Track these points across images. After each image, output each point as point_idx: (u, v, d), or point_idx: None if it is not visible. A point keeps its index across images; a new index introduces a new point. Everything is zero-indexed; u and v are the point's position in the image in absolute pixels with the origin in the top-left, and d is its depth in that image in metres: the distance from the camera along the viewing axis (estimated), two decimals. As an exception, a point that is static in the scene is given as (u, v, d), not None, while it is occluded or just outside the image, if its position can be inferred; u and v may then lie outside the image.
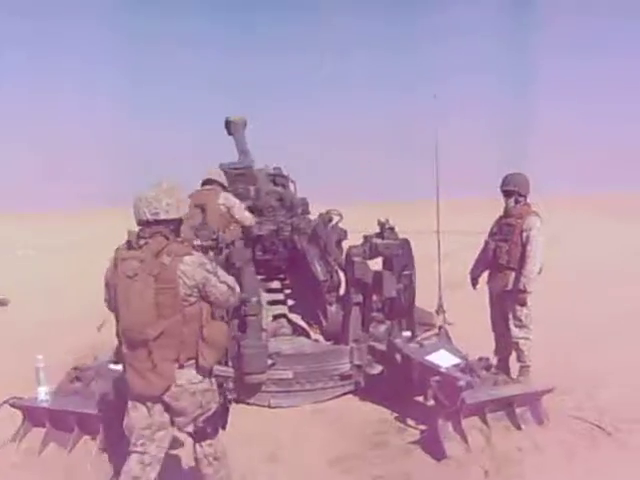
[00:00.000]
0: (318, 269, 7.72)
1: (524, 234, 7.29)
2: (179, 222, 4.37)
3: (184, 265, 4.14)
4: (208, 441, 4.49)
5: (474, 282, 7.89)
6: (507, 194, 7.53)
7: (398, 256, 7.30)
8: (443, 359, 6.62)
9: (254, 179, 8.94)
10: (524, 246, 7.25)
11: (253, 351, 6.80)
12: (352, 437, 6.31)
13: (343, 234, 8.15)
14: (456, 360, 6.55)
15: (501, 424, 5.86)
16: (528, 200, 7.57)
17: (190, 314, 4.18)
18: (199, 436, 4.47)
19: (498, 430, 5.76)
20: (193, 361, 4.24)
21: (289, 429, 6.50)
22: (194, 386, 4.26)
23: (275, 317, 8.06)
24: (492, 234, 7.64)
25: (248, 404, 6.99)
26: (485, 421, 5.77)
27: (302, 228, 8.30)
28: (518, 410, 5.93)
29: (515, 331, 7.35)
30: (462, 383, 5.94)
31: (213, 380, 4.45)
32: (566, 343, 8.78)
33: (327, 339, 7.61)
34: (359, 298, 7.31)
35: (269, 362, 6.91)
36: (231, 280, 4.39)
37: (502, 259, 7.38)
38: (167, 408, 4.30)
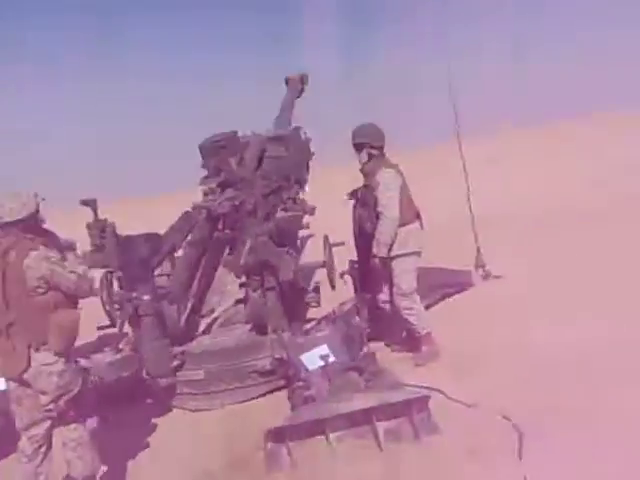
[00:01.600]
0: (243, 250, 6.87)
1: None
2: (28, 221, 4.70)
3: (29, 259, 4.55)
4: (72, 425, 4.75)
5: None
6: (357, 148, 6.70)
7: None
8: (313, 359, 5.58)
9: (237, 148, 8.20)
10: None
11: (151, 354, 6.38)
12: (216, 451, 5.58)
13: None
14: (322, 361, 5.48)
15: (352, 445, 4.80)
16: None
17: (39, 303, 4.57)
18: (63, 419, 4.71)
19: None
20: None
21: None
22: (49, 367, 4.58)
23: (237, 302, 7.39)
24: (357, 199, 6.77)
25: (176, 407, 6.56)
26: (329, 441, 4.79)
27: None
28: (386, 424, 4.82)
29: (397, 300, 6.46)
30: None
31: (73, 364, 4.78)
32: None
33: (251, 330, 6.77)
34: (271, 282, 6.39)
35: (176, 362, 6.44)
36: (82, 269, 4.77)
37: (367, 227, 6.52)
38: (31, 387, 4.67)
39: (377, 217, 6.38)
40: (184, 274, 7.14)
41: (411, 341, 6.72)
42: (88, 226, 6.41)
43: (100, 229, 6.34)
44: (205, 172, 7.93)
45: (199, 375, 6.47)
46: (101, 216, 6.43)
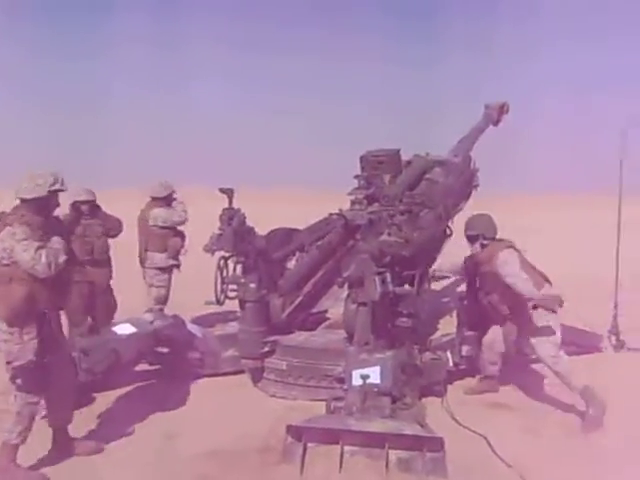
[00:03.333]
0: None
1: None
2: (37, 202, 5.15)
3: (2, 233, 5.08)
4: (15, 392, 5.20)
5: None
6: (470, 239, 6.98)
7: None
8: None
9: (396, 166, 8.51)
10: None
11: (244, 336, 7.29)
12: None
13: None
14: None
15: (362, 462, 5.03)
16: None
17: (1, 273, 5.04)
18: (13, 384, 5.19)
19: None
20: None
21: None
22: (1, 334, 5.07)
23: None
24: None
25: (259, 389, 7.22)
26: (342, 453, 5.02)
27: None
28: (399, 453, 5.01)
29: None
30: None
31: (24, 337, 5.03)
32: None
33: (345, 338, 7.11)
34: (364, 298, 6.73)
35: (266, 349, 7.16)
36: (37, 253, 4.97)
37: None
38: None
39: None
40: (301, 272, 7.67)
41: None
42: (222, 212, 7.16)
43: (229, 217, 7.05)
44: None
45: (282, 366, 7.01)
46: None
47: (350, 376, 5.88)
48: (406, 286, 6.87)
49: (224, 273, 7.15)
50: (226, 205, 7.15)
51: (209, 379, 7.30)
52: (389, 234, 6.82)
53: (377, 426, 5.10)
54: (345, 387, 5.83)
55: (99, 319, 7.81)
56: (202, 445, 5.70)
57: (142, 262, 8.97)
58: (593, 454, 5.57)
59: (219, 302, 7.11)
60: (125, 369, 6.98)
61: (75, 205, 7.65)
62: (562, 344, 6.60)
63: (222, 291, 7.11)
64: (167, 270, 8.87)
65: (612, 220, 8.98)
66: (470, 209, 9.07)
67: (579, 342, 7.96)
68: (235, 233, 6.96)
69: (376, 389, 5.64)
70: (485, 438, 5.74)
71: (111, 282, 8.12)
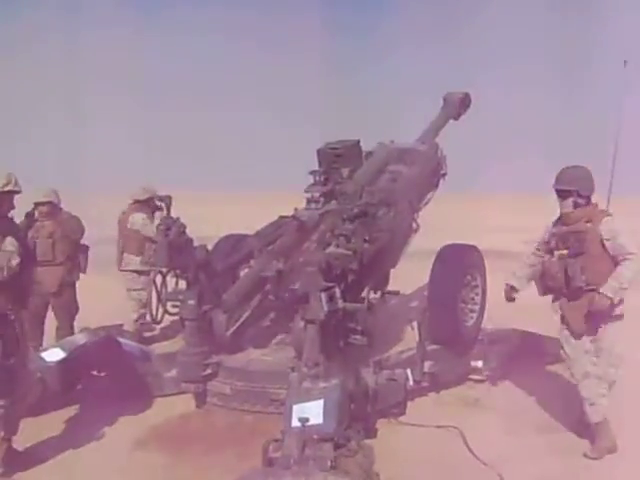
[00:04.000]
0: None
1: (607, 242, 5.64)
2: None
3: None
4: None
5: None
6: (561, 195, 5.88)
7: None
8: (303, 412, 5.31)
9: (355, 158, 7.88)
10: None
11: (183, 358, 6.67)
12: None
13: None
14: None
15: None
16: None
17: None
18: None
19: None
20: None
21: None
22: None
23: None
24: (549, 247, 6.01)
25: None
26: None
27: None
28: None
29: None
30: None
31: None
32: None
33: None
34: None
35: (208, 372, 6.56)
36: None
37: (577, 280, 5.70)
38: None
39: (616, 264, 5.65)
40: (247, 284, 7.06)
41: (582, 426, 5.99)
42: (159, 222, 6.57)
43: (166, 227, 6.45)
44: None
45: (226, 389, 6.45)
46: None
47: (290, 412, 5.30)
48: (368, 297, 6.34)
49: (160, 289, 6.55)
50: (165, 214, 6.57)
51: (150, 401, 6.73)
52: (337, 245, 6.23)
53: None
54: (282, 429, 5.24)
55: (59, 322, 7.85)
56: None
57: (119, 264, 8.76)
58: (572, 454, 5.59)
59: (155, 321, 6.52)
60: (55, 398, 6.38)
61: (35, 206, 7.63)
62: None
63: (157, 308, 6.52)
64: (144, 273, 8.43)
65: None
66: (438, 202, 8.58)
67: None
68: (171, 246, 6.35)
69: (316, 436, 5.03)
70: (460, 431, 5.74)
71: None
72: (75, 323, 8.01)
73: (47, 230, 7.67)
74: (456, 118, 9.41)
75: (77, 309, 8.03)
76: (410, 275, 8.33)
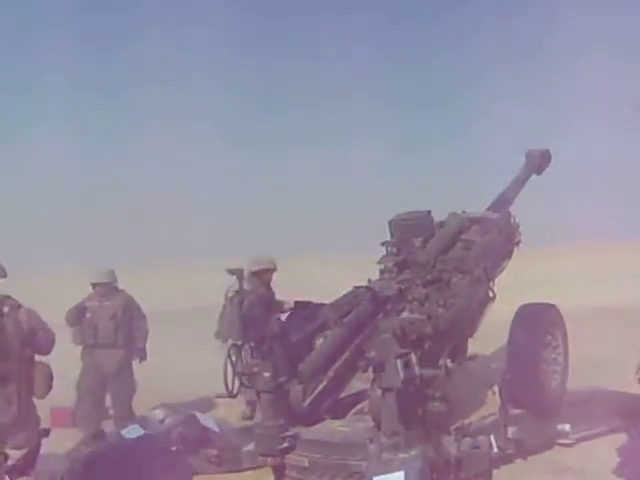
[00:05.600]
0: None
1: None
2: None
3: None
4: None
5: None
6: None
7: None
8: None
9: (427, 229, 7.85)
10: None
11: (261, 431, 6.61)
12: None
13: None
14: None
15: None
16: None
17: None
18: None
19: None
20: None
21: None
22: None
23: None
24: None
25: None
26: None
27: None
28: None
29: None
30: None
31: None
32: None
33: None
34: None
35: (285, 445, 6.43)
36: None
37: None
38: None
39: None
40: (323, 354, 7.01)
41: None
42: (231, 296, 6.62)
43: (239, 301, 6.50)
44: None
45: (304, 462, 6.33)
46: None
47: (370, 486, 5.19)
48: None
49: (235, 362, 6.55)
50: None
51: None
52: (411, 310, 6.15)
53: None
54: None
55: (116, 404, 7.95)
56: None
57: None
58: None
59: (231, 395, 6.50)
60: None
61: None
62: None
63: (233, 382, 6.50)
64: None
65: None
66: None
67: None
68: (244, 319, 6.38)
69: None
70: None
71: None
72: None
73: (108, 312, 7.71)
74: (539, 173, 9.34)
75: (134, 390, 8.02)
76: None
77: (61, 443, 6.81)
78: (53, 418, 8.32)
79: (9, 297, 5.36)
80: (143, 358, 8.02)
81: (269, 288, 8.00)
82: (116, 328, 7.71)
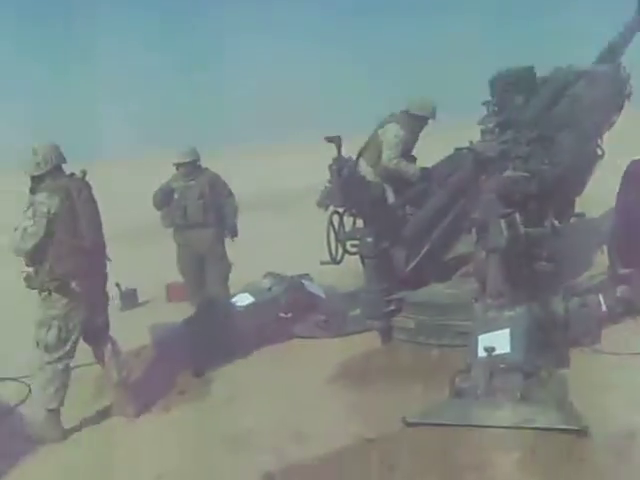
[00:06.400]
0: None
1: None
2: None
3: None
4: None
5: None
6: None
7: None
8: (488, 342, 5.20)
9: (529, 85, 7.50)
10: None
11: (366, 296, 6.75)
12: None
13: None
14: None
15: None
16: None
17: None
18: None
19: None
20: None
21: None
22: None
23: None
24: None
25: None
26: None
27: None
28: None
29: None
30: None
31: None
32: None
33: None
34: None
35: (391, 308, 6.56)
36: None
37: None
38: None
39: None
40: (426, 218, 6.95)
41: None
42: (331, 163, 6.57)
43: (338, 168, 6.45)
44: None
45: (411, 324, 6.41)
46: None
47: (475, 342, 5.20)
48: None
49: (337, 229, 6.57)
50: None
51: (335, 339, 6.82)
52: (514, 168, 5.97)
53: (504, 416, 4.43)
54: (469, 360, 5.14)
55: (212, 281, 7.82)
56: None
57: None
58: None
59: (335, 261, 6.56)
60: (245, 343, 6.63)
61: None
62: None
63: (337, 248, 6.55)
64: None
65: None
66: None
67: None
68: (344, 185, 6.34)
69: (503, 365, 4.90)
70: None
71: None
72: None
73: (195, 192, 7.59)
74: None
75: (229, 268, 7.85)
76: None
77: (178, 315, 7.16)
78: (169, 293, 8.74)
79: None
80: (234, 235, 7.87)
81: None
82: (205, 207, 7.58)
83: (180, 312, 7.26)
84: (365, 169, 7.27)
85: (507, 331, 5.19)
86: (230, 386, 5.96)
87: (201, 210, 7.57)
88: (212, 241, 7.68)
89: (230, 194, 7.84)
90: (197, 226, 7.60)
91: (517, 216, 5.79)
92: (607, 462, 4.15)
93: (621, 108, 8.13)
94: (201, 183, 7.63)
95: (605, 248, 6.51)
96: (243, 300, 6.74)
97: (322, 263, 6.62)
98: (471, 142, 7.26)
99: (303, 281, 7.17)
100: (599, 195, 7.73)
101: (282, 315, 6.86)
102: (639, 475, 4.06)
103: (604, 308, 6.12)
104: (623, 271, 6.42)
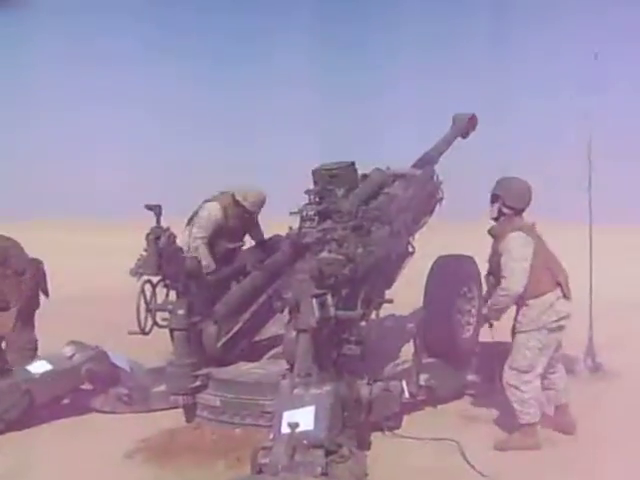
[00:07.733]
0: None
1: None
2: None
3: None
4: None
5: None
6: (492, 199, 6.00)
7: None
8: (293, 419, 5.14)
9: (350, 180, 7.80)
10: None
11: (172, 369, 6.54)
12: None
13: None
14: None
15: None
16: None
17: None
18: None
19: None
20: None
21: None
22: None
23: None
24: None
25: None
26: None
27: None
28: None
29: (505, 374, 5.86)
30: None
31: None
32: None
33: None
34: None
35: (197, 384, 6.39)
36: None
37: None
38: None
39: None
40: (239, 296, 6.95)
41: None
42: (148, 232, 6.44)
43: (155, 236, 6.33)
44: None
45: (216, 402, 6.27)
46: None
47: (280, 418, 5.13)
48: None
49: (148, 299, 6.40)
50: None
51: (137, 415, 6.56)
52: (329, 251, 6.10)
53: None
54: (271, 436, 5.06)
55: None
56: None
57: None
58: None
59: (144, 332, 6.36)
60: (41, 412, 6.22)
61: None
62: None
63: (146, 319, 6.36)
64: None
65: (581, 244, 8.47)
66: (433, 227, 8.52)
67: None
68: (160, 254, 6.22)
69: (306, 441, 4.85)
70: (458, 444, 5.55)
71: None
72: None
73: None
74: (464, 136, 9.36)
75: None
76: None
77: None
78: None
79: None
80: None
81: None
82: None
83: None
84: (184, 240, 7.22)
85: (312, 408, 5.16)
86: (15, 457, 5.56)
87: None
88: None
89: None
90: None
91: (329, 298, 5.87)
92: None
93: (432, 211, 8.60)
94: None
95: (412, 339, 6.70)
96: (40, 367, 6.33)
97: (130, 333, 6.40)
98: (290, 228, 7.40)
99: (108, 352, 6.85)
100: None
101: (82, 387, 6.50)
102: None
103: (407, 394, 6.27)
104: (427, 360, 6.63)
